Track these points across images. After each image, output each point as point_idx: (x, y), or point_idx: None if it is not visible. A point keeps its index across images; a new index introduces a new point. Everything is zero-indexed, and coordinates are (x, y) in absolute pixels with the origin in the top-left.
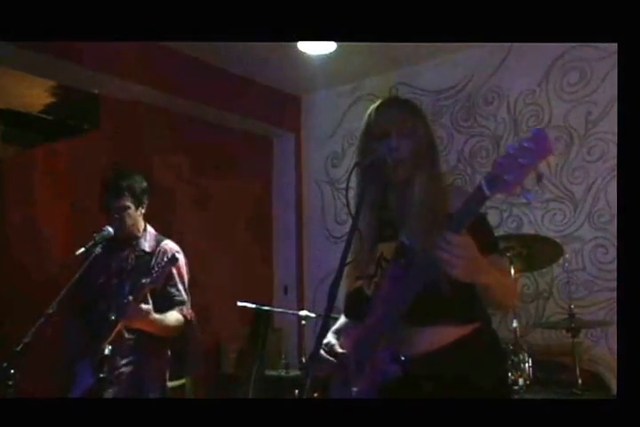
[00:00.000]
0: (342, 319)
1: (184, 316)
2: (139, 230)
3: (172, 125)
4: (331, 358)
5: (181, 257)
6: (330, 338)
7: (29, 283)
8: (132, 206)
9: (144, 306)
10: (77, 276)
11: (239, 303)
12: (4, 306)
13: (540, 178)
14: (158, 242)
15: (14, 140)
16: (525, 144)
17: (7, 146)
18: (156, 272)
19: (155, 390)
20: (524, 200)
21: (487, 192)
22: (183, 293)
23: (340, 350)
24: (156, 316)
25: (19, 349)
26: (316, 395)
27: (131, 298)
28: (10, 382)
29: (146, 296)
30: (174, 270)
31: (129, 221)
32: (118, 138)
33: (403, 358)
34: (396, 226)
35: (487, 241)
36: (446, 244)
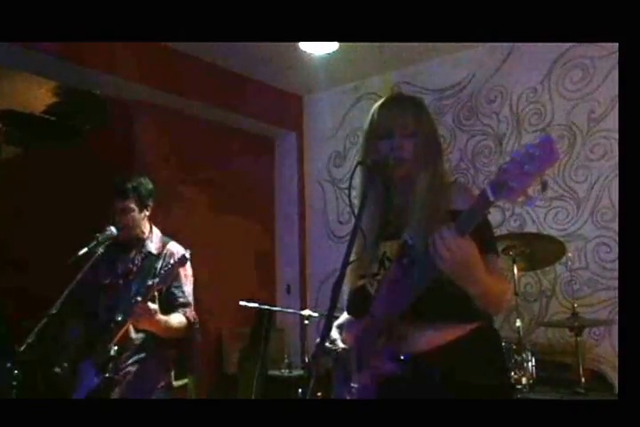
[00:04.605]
0: (345, 314)
1: (187, 318)
2: (144, 232)
3: (173, 125)
4: (335, 348)
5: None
6: (332, 332)
7: (31, 283)
8: (137, 208)
9: (152, 306)
10: (80, 276)
11: (241, 303)
12: (5, 306)
13: (544, 186)
14: (164, 244)
15: (17, 141)
16: (531, 150)
17: (9, 146)
18: (165, 273)
19: (160, 390)
20: (529, 207)
21: (492, 198)
22: (188, 295)
23: (342, 345)
24: (162, 317)
25: (22, 349)
26: (319, 394)
27: (139, 299)
28: (14, 383)
29: (153, 297)
30: (181, 272)
31: (133, 223)
32: (119, 138)
33: (402, 357)
34: (399, 224)
35: (485, 241)
36: (449, 243)
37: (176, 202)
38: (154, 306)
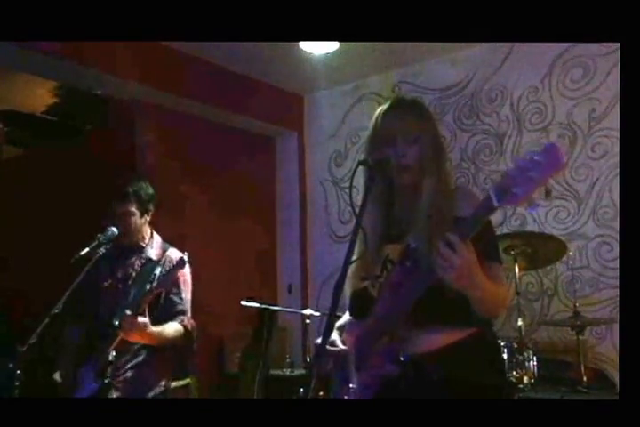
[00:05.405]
0: (346, 316)
1: (184, 327)
2: (144, 238)
3: (174, 125)
4: (334, 349)
5: (187, 265)
6: (332, 333)
7: (32, 283)
8: (137, 213)
9: (140, 320)
10: (81, 277)
11: (243, 302)
12: (6, 306)
13: (548, 193)
14: (164, 250)
15: (17, 141)
16: (536, 157)
17: (10, 146)
18: (164, 276)
19: (158, 395)
20: (531, 212)
21: (496, 204)
22: (186, 302)
23: (341, 346)
24: (154, 329)
25: (24, 350)
26: (321, 394)
27: (128, 312)
28: (15, 383)
29: (144, 308)
30: (180, 278)
31: (134, 228)
32: (119, 138)
33: (402, 359)
34: (403, 228)
35: (488, 248)
36: (448, 249)
37: (176, 202)
38: (143, 319)
